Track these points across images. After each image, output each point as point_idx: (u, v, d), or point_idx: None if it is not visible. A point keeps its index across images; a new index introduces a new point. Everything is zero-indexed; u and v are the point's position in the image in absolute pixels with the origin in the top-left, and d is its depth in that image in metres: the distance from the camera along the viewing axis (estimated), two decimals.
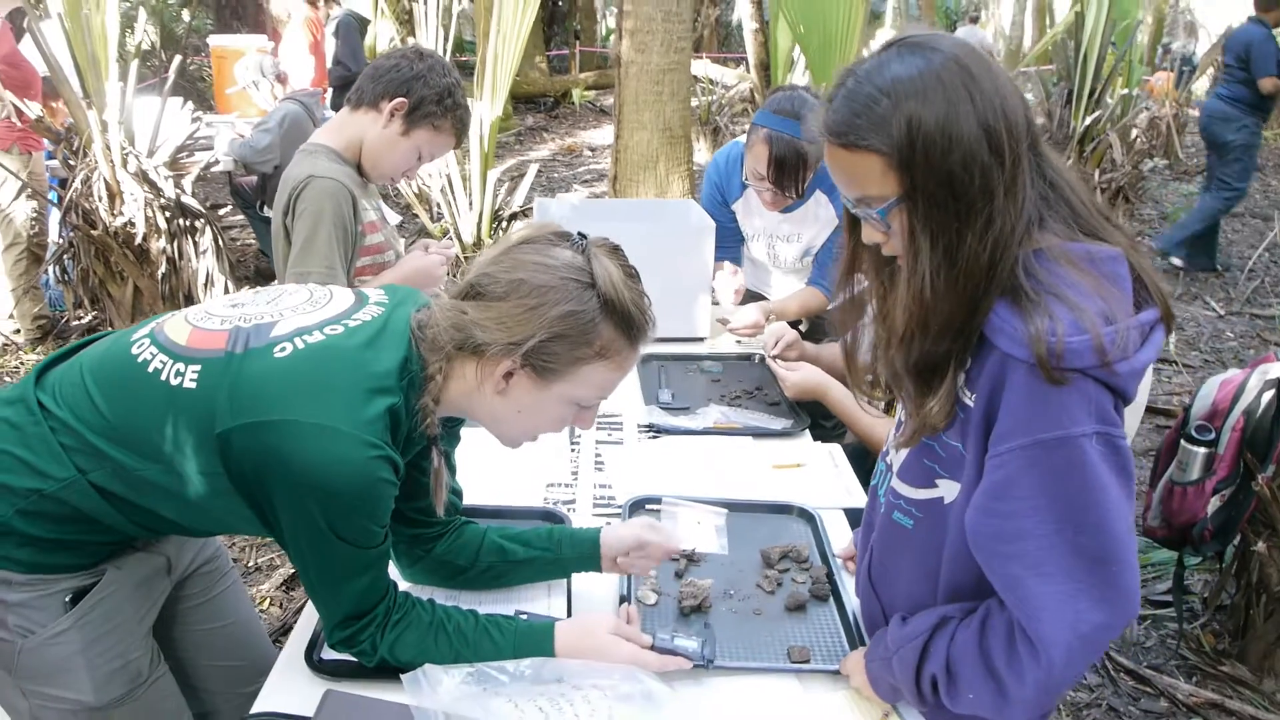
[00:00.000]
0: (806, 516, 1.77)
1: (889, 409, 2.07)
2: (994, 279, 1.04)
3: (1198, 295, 6.08)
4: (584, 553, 1.48)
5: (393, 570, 1.43)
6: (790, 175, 2.32)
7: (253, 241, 6.20)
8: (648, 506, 1.79)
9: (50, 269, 4.65)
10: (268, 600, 2.90)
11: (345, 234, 2.04)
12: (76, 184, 4.15)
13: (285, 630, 2.65)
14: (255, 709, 1.26)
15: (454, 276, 3.38)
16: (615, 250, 1.22)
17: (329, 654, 1.33)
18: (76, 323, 4.88)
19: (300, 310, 1.22)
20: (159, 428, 1.15)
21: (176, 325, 1.22)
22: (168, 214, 4.25)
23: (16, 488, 1.18)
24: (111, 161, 4.10)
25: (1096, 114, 6.25)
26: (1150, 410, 4.28)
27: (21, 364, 4.60)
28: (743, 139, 2.53)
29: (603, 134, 11.42)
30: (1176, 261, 6.34)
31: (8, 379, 4.42)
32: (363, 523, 1.14)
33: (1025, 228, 1.05)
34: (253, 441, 1.10)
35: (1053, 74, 6.79)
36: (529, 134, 11.71)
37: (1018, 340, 1.02)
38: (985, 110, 1.01)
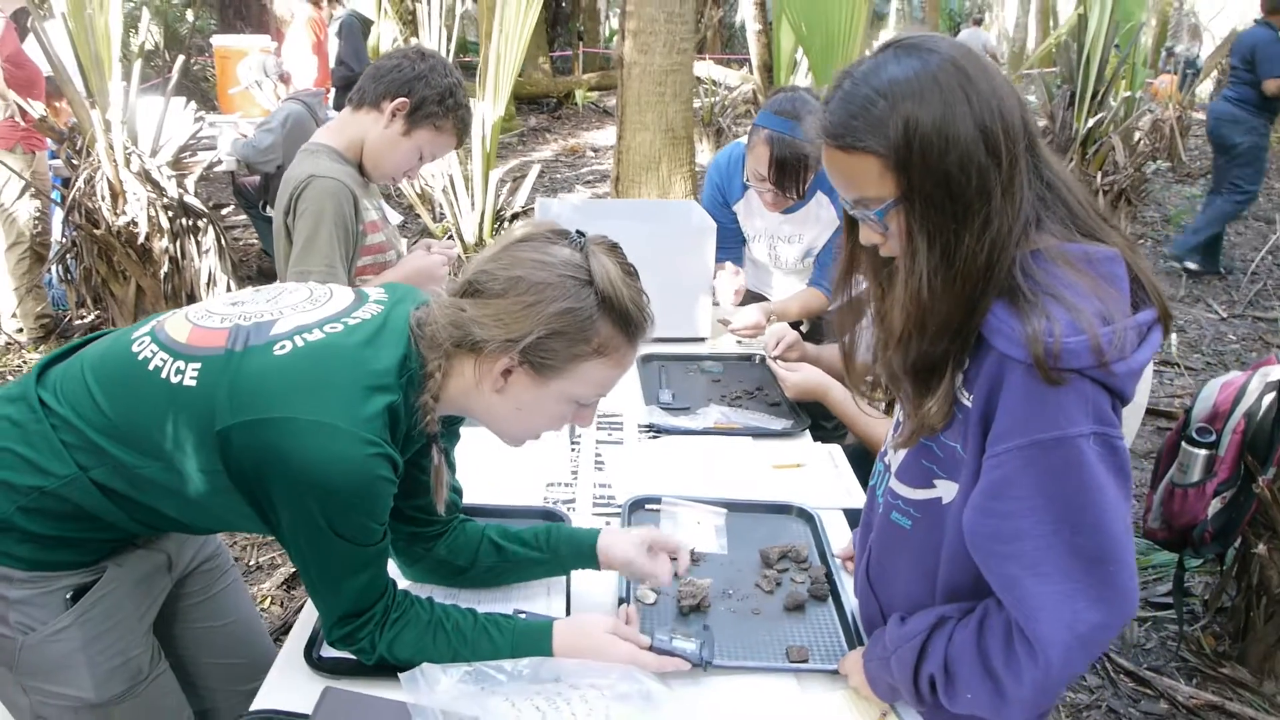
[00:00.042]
0: (806, 517, 1.78)
1: (889, 410, 2.07)
2: (991, 280, 1.04)
3: (1200, 298, 6.07)
4: (582, 554, 1.48)
5: (393, 568, 1.44)
6: (791, 176, 2.33)
7: (255, 241, 6.22)
8: (647, 506, 1.80)
9: (53, 268, 4.66)
10: (268, 599, 2.90)
11: (346, 233, 2.04)
12: (79, 183, 4.15)
13: (286, 629, 2.65)
14: (255, 706, 1.26)
15: (455, 276, 3.38)
16: (613, 248, 1.22)
17: (328, 652, 1.34)
18: (79, 322, 4.89)
19: (300, 308, 1.23)
20: (159, 425, 1.15)
21: (177, 323, 1.23)
22: (170, 214, 4.26)
23: (18, 485, 1.18)
24: (114, 161, 4.11)
25: (1099, 116, 6.24)
26: (1151, 412, 4.27)
27: (24, 363, 4.61)
28: (744, 140, 2.53)
29: (606, 135, 11.43)
30: (1191, 266, 6.35)
31: (10, 378, 4.43)
32: (361, 520, 1.14)
33: (1022, 228, 1.05)
34: (252, 439, 1.10)
35: (1056, 76, 6.78)
36: (532, 135, 11.72)
37: (1015, 341, 1.02)
38: (982, 111, 1.01)
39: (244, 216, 5.69)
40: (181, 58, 4.71)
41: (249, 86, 5.57)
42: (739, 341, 2.68)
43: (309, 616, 1.42)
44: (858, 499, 1.86)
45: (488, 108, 5.20)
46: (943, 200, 1.02)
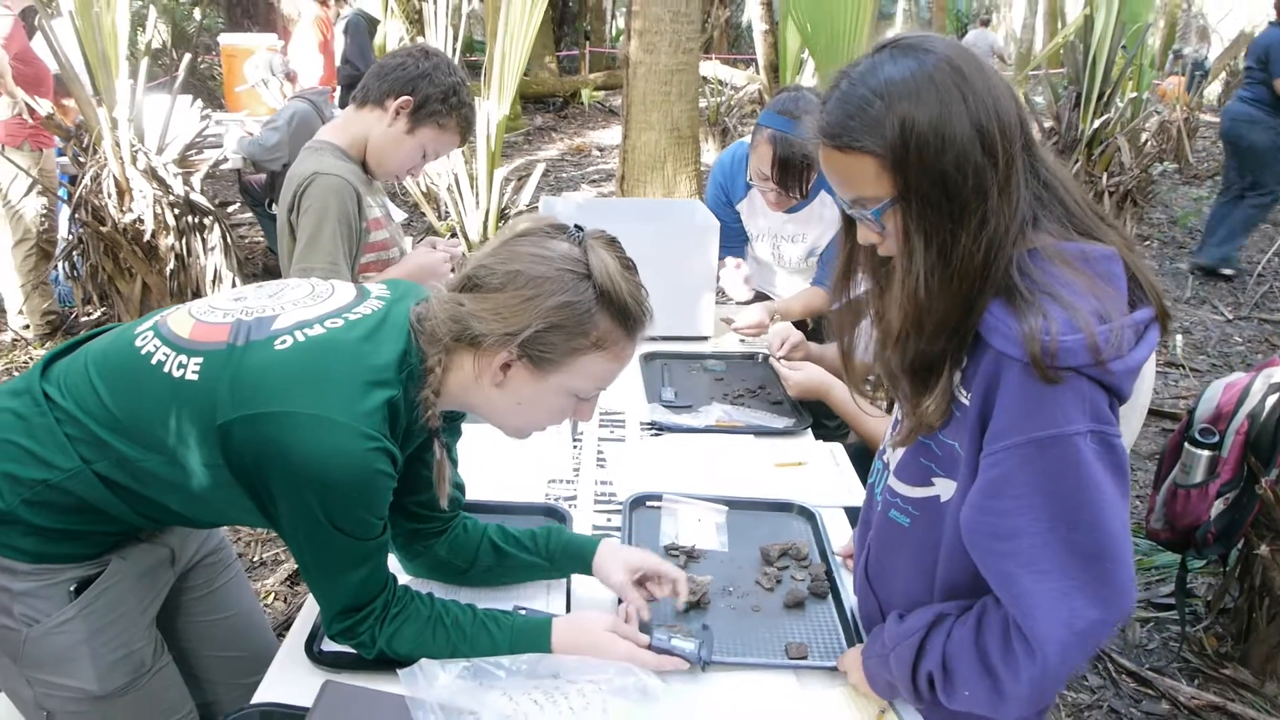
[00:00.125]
0: (806, 515, 1.78)
1: (890, 409, 2.07)
2: (988, 278, 1.05)
3: (1206, 299, 6.06)
4: (580, 563, 1.49)
5: (393, 563, 1.45)
6: (794, 176, 2.33)
7: (261, 239, 6.23)
8: (648, 503, 1.80)
9: (60, 265, 4.68)
10: (272, 595, 2.92)
11: (349, 230, 2.05)
12: (86, 181, 4.17)
13: (289, 625, 2.65)
14: (255, 699, 1.27)
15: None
16: (612, 242, 1.23)
17: (329, 646, 1.35)
18: (85, 318, 4.91)
19: (302, 304, 1.23)
20: (162, 419, 1.16)
21: (180, 318, 1.23)
22: (176, 211, 4.27)
23: (23, 478, 1.19)
24: (121, 159, 4.13)
25: (1106, 117, 6.23)
26: (1155, 413, 4.27)
27: (30, 359, 4.63)
28: (748, 139, 2.53)
29: (611, 134, 11.43)
30: (1228, 272, 6.36)
31: (17, 374, 4.44)
32: (360, 514, 1.15)
33: (1019, 227, 1.06)
34: (252, 433, 1.11)
35: (1063, 77, 6.76)
36: (538, 134, 11.73)
37: (1012, 339, 1.02)
38: (978, 111, 1.02)
39: (249, 214, 5.71)
40: (188, 56, 4.73)
41: (255, 85, 5.58)
42: (742, 340, 2.68)
43: (310, 611, 1.43)
44: (859, 497, 1.86)
45: (493, 106, 5.21)
46: (939, 200, 1.03)
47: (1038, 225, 1.08)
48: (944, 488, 1.19)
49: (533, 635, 1.32)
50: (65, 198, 4.58)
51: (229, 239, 4.48)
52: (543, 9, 5.07)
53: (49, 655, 1.27)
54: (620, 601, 1.45)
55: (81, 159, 4.26)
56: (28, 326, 4.79)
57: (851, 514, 1.79)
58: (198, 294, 4.42)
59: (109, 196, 4.16)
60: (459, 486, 1.48)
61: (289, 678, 1.31)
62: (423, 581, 1.51)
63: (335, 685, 1.25)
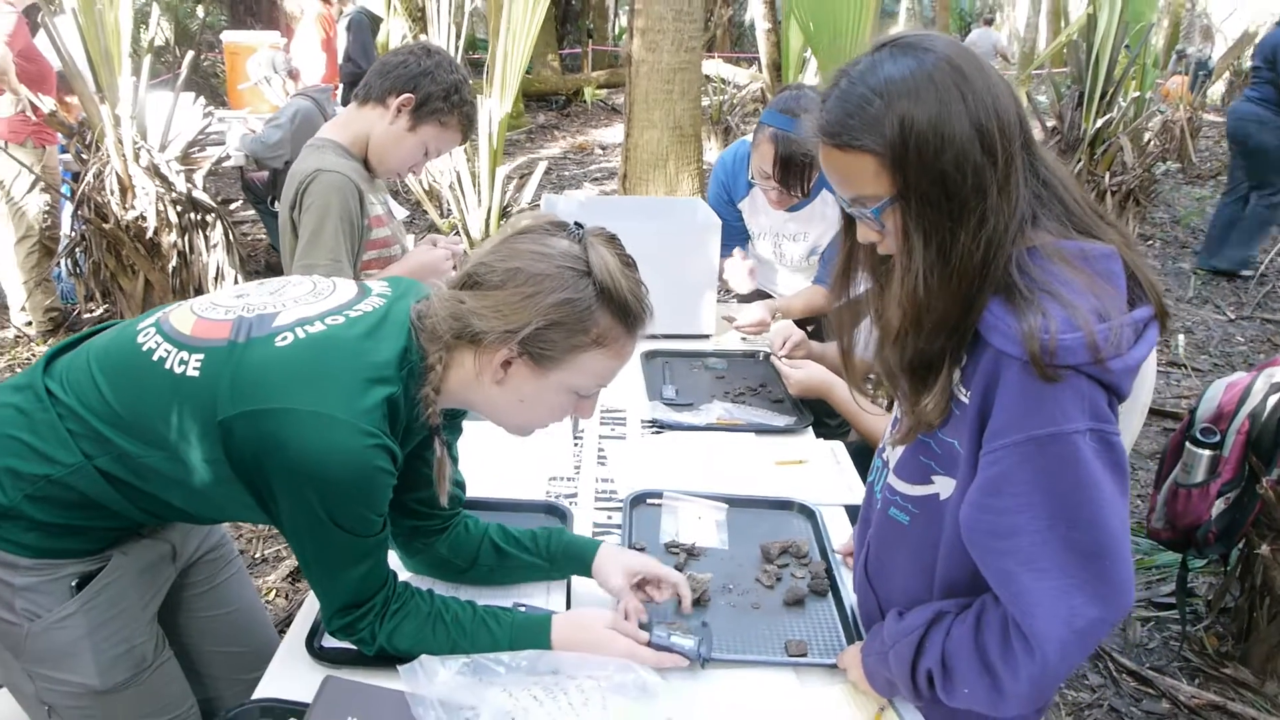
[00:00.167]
0: (807, 512, 1.78)
1: (891, 407, 2.07)
2: (987, 277, 1.05)
3: (1208, 299, 6.05)
4: (580, 565, 1.50)
5: (394, 560, 1.45)
6: (796, 174, 2.33)
7: (263, 236, 6.24)
8: (649, 501, 1.80)
9: (62, 262, 4.68)
10: (273, 591, 2.92)
11: (351, 228, 2.06)
12: (89, 178, 4.18)
13: (290, 621, 2.66)
14: (256, 695, 1.27)
15: None
16: (612, 239, 1.23)
17: (329, 642, 1.35)
18: (88, 315, 4.91)
19: (303, 301, 1.24)
20: (163, 415, 1.16)
21: (182, 315, 1.24)
22: (179, 208, 4.28)
23: (25, 473, 1.20)
24: (124, 156, 4.13)
25: (1108, 116, 6.22)
26: (1157, 413, 4.27)
27: (33, 355, 4.64)
28: (750, 138, 2.53)
29: (614, 132, 11.43)
30: (1247, 273, 6.36)
31: (19, 370, 4.45)
32: (360, 511, 1.15)
33: (1018, 226, 1.06)
34: (252, 429, 1.11)
35: (1066, 76, 6.75)
36: (541, 132, 11.73)
37: (1011, 337, 1.02)
38: (977, 109, 1.02)
39: (252, 211, 5.71)
40: (191, 53, 4.73)
41: (258, 82, 5.58)
42: (743, 338, 2.68)
43: (311, 607, 1.43)
44: (859, 495, 1.85)
45: (495, 104, 5.21)
46: (939, 198, 1.03)
47: (1037, 224, 1.08)
48: (943, 486, 1.19)
49: (532, 632, 1.32)
50: (68, 195, 4.58)
51: (231, 236, 4.48)
52: (545, 7, 5.07)
53: (50, 650, 1.27)
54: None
55: (84, 156, 4.26)
56: (30, 323, 4.80)
57: (852, 512, 1.80)
58: (200, 291, 4.43)
59: (111, 193, 4.17)
60: (459, 484, 1.49)
61: (290, 673, 1.32)
62: (423, 578, 1.51)
63: (336, 681, 1.25)
